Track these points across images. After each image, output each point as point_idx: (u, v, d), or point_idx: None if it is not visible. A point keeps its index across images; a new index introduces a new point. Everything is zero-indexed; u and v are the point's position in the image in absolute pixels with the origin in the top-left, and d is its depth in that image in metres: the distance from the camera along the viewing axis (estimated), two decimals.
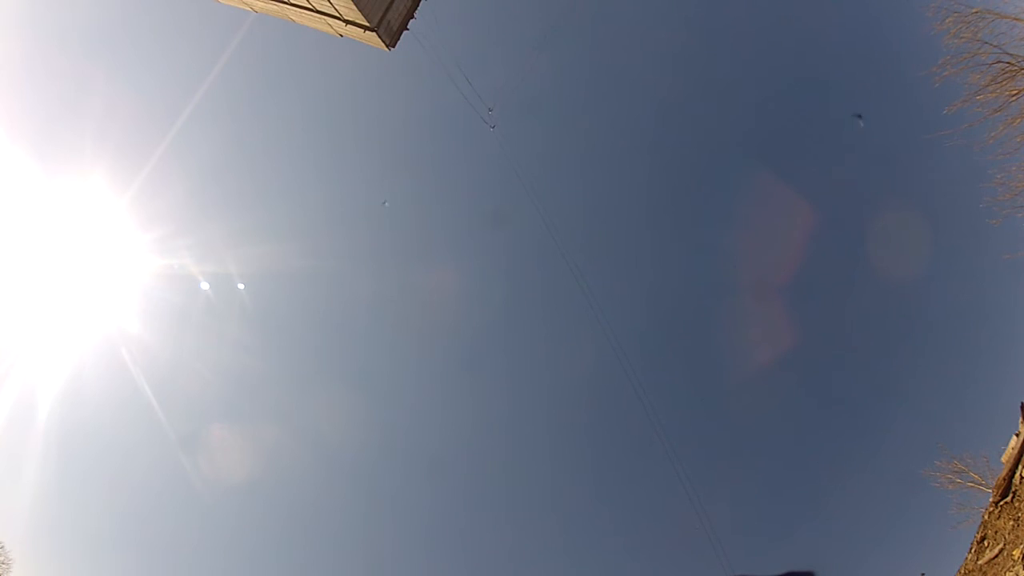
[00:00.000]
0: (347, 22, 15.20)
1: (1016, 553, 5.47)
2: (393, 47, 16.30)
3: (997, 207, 14.28)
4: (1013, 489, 6.57)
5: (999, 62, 13.13)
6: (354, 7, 14.51)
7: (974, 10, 12.82)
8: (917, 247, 33.12)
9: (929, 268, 36.36)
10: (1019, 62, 12.93)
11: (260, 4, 15.54)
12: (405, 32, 16.39)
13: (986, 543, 6.46)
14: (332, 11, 14.85)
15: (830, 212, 41.39)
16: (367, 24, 15.18)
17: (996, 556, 5.91)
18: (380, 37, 15.72)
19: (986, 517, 6.95)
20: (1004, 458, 8.54)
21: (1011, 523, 6.13)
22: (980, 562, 6.23)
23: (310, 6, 14.77)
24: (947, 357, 37.77)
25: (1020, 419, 8.22)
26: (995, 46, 12.91)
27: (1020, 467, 6.73)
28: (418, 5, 15.98)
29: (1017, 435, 7.96)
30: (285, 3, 14.87)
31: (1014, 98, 13.46)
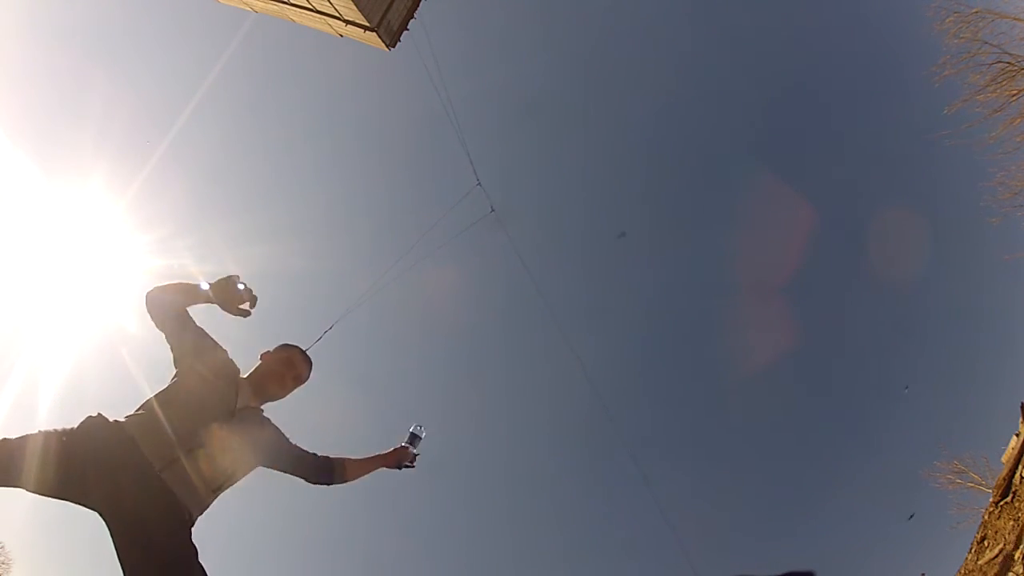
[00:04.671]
0: (347, 22, 15.20)
1: (1016, 553, 5.47)
2: (393, 47, 16.29)
3: (997, 206, 14.28)
4: (1013, 489, 6.57)
5: (999, 62, 13.14)
6: (354, 7, 14.50)
7: (974, 10, 12.83)
8: (917, 247, 33.12)
9: (929, 268, 36.40)
10: (1019, 62, 12.93)
11: (260, 4, 15.54)
12: (405, 32, 16.38)
13: (986, 543, 6.46)
14: (332, 11, 14.85)
15: (830, 212, 41.45)
16: (367, 24, 15.17)
17: (996, 556, 5.91)
18: (380, 37, 15.71)
19: (986, 517, 6.95)
20: (1004, 458, 8.54)
21: (1011, 523, 6.13)
22: (980, 562, 6.24)
23: (310, 6, 14.77)
24: (947, 357, 37.84)
25: (1020, 419, 8.22)
26: (995, 46, 12.92)
27: (1020, 467, 6.73)
28: (418, 5, 15.96)
29: (1017, 435, 7.97)
30: (285, 3, 14.87)
31: (1014, 98, 13.46)
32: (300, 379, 2.54)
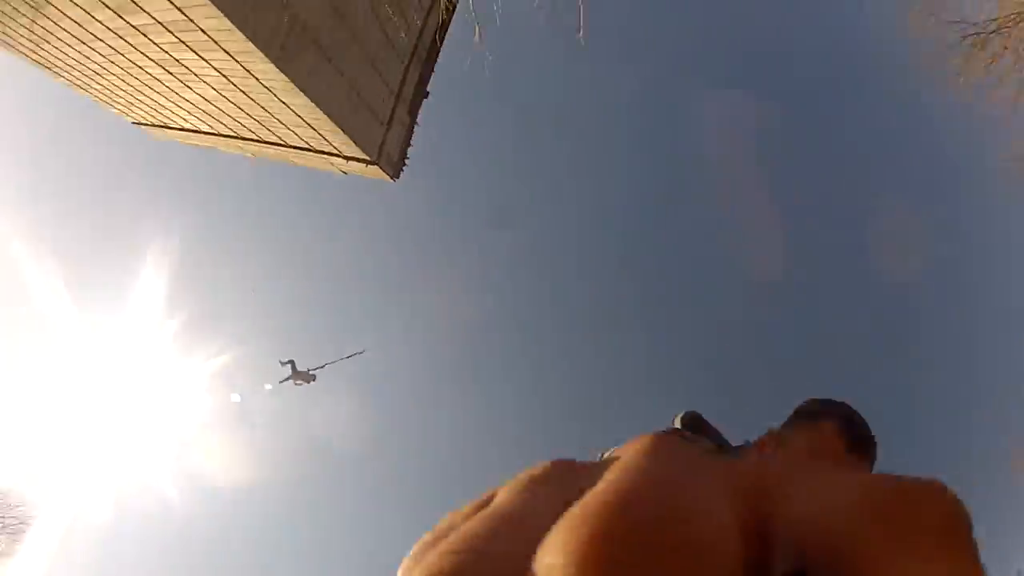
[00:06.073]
0: (348, 158, 14.18)
1: None
2: (397, 178, 15.28)
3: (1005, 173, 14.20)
4: None
5: (967, 35, 14.21)
6: (351, 141, 13.62)
7: None
8: (917, 247, 33.68)
9: (929, 268, 37.13)
10: (984, 28, 14.00)
11: (254, 148, 14.24)
12: (406, 163, 15.58)
13: None
14: (331, 149, 13.84)
15: (829, 213, 42.66)
16: (367, 158, 14.25)
17: None
18: (382, 168, 14.75)
19: None
20: None
21: None
22: None
23: (308, 147, 13.69)
24: (947, 357, 37.12)
25: None
26: (958, 21, 14.04)
27: None
28: (412, 133, 15.46)
29: None
30: (283, 146, 13.70)
31: (991, 64, 14.30)
32: None
